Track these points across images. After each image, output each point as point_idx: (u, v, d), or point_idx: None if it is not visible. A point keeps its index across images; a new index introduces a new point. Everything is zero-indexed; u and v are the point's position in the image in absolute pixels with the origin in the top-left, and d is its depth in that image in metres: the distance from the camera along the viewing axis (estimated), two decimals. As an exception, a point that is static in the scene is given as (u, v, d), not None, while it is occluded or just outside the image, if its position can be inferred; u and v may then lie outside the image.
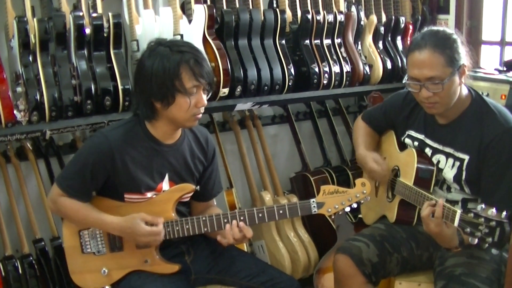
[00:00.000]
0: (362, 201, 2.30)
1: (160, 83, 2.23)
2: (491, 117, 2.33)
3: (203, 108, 2.32)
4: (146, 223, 2.28)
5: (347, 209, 2.30)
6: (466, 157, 2.35)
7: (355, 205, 2.30)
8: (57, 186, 2.36)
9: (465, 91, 2.40)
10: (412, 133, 2.58)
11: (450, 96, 2.33)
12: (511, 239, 1.96)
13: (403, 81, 2.41)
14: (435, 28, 2.40)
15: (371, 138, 2.78)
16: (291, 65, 3.30)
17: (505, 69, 3.39)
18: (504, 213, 1.96)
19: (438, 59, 2.27)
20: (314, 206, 2.29)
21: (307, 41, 3.39)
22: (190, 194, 2.46)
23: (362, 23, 3.60)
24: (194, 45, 2.36)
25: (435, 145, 2.48)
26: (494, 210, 1.98)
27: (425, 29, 2.41)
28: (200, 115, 2.33)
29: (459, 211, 2.07)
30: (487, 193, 2.29)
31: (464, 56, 2.32)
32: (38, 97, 2.72)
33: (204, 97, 2.31)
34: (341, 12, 3.49)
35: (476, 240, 2.00)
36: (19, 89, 2.72)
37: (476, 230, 1.99)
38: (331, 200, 2.28)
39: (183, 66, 2.22)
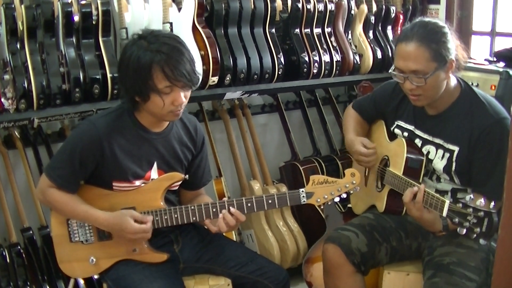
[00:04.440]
0: (351, 192, 2.30)
1: (134, 80, 2.20)
2: (481, 108, 2.33)
3: (183, 105, 2.27)
4: (135, 220, 2.27)
5: (336, 199, 2.31)
6: (456, 149, 2.36)
7: (344, 196, 2.30)
8: (46, 176, 2.34)
9: (453, 82, 2.39)
10: (402, 123, 2.58)
11: (434, 89, 2.32)
12: (500, 229, 1.96)
13: (389, 71, 2.41)
14: (426, 19, 2.37)
15: (361, 126, 2.78)
16: (281, 54, 3.29)
17: (495, 59, 3.40)
18: (492, 203, 1.96)
19: (423, 53, 2.26)
20: (303, 196, 2.29)
21: (297, 30, 3.38)
22: (179, 183, 2.45)
23: (352, 12, 3.60)
24: (179, 39, 2.28)
25: (425, 136, 2.48)
26: (482, 200, 1.99)
27: (417, 19, 2.40)
28: (180, 111, 2.29)
29: (447, 201, 2.08)
30: (478, 184, 2.30)
31: (454, 50, 2.31)
32: (26, 84, 2.69)
33: (182, 95, 2.24)
34: (331, 1, 3.48)
35: (464, 230, 2.01)
36: (6, 76, 2.69)
37: (464, 220, 2.00)
38: (320, 190, 2.28)
39: (154, 67, 2.17)
